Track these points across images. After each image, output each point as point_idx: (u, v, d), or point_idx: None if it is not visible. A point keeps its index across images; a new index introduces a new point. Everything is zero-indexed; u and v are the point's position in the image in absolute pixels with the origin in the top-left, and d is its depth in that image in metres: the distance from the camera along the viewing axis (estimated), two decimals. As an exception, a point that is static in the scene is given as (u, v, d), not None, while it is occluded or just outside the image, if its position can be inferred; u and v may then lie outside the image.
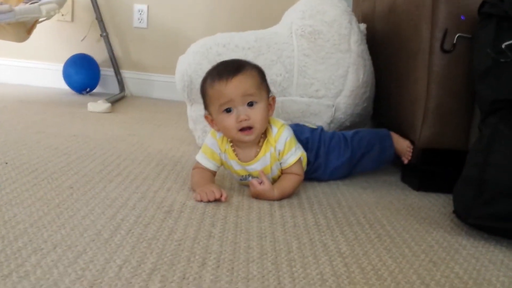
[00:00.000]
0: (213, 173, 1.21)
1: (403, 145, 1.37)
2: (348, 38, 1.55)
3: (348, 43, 1.55)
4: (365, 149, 1.35)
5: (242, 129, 1.11)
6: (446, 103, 1.28)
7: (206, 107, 1.17)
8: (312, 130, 1.34)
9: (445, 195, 1.28)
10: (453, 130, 1.30)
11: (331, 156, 1.32)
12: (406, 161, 1.37)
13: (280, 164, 1.18)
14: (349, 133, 1.37)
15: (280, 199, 1.14)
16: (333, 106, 1.54)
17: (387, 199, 1.24)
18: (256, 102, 1.12)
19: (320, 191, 1.25)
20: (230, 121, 1.11)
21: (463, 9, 1.24)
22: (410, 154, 1.36)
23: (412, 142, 1.37)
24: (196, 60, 1.52)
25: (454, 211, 1.09)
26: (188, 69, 1.53)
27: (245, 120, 1.10)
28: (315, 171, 1.32)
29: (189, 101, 1.62)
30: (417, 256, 0.88)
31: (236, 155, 1.18)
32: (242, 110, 1.11)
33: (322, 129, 1.37)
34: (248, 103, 1.11)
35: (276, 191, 1.13)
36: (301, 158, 1.21)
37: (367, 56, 1.63)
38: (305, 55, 1.52)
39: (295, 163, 1.17)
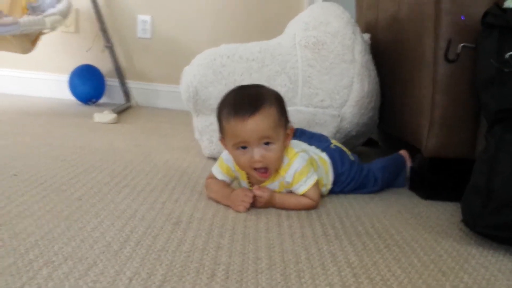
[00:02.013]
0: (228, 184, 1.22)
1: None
2: (352, 49, 1.56)
3: (352, 54, 1.56)
4: (388, 183, 1.41)
5: (256, 168, 1.11)
6: (451, 112, 1.28)
7: (221, 133, 1.15)
8: (351, 163, 1.33)
9: (453, 204, 1.28)
10: (459, 139, 1.30)
11: (357, 191, 1.34)
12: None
13: (294, 190, 1.17)
14: (377, 170, 1.38)
15: (280, 207, 1.14)
16: (339, 116, 1.54)
17: (395, 208, 1.24)
18: (272, 143, 1.09)
19: (327, 201, 1.25)
20: (244, 159, 1.10)
21: (466, 19, 1.24)
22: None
23: (418, 151, 1.38)
24: (201, 72, 1.53)
25: (463, 220, 1.09)
26: (193, 81, 1.54)
27: (260, 162, 1.09)
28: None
29: (195, 112, 1.62)
30: (426, 266, 0.88)
31: (248, 177, 1.18)
32: (257, 152, 1.08)
33: (358, 163, 1.36)
34: (264, 142, 1.09)
35: (277, 196, 1.13)
36: (323, 177, 1.23)
37: (371, 66, 1.63)
38: (309, 66, 1.53)
39: (307, 191, 1.15)
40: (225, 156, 1.20)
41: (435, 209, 1.25)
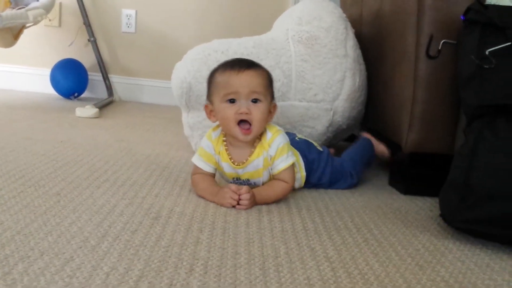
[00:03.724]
0: (213, 176, 1.22)
1: (379, 149, 1.49)
2: (344, 44, 1.58)
3: (345, 48, 1.57)
4: (363, 170, 1.44)
5: (240, 124, 1.12)
6: (432, 108, 1.29)
7: (209, 96, 1.19)
8: (320, 152, 1.34)
9: (432, 199, 1.29)
10: (439, 135, 1.31)
11: (336, 185, 1.35)
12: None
13: (271, 169, 1.18)
14: (348, 163, 1.38)
15: (261, 201, 1.14)
16: (331, 109, 1.55)
17: (374, 203, 1.25)
18: (260, 101, 1.14)
19: (308, 196, 1.26)
20: (230, 111, 1.13)
21: (448, 15, 1.25)
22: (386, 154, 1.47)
23: (399, 146, 1.39)
24: (195, 67, 1.52)
25: (441, 215, 1.10)
26: (187, 76, 1.53)
27: (246, 113, 1.11)
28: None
29: (187, 108, 1.61)
30: (403, 260, 0.89)
31: (229, 155, 1.18)
32: (244, 103, 1.12)
33: (328, 153, 1.37)
34: (252, 99, 1.13)
35: (257, 197, 1.13)
36: (295, 164, 1.22)
37: (361, 60, 1.66)
38: (303, 60, 1.54)
39: (284, 169, 1.17)
40: (205, 143, 1.21)
41: (414, 204, 1.26)
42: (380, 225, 1.07)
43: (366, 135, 1.53)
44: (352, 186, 1.36)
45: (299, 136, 1.39)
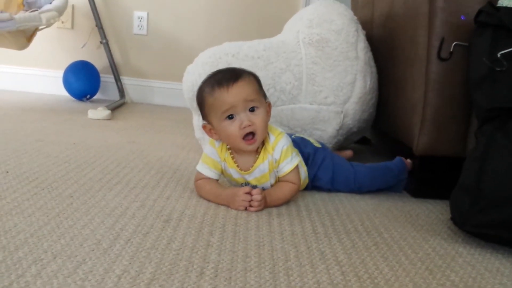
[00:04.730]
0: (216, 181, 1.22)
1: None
2: (355, 46, 1.58)
3: (355, 51, 1.57)
4: (376, 186, 1.35)
5: (245, 137, 1.12)
6: (443, 110, 1.29)
7: (205, 116, 1.18)
8: (316, 148, 1.33)
9: (442, 202, 1.29)
10: (451, 138, 1.30)
11: (336, 185, 1.32)
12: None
13: (277, 172, 1.19)
14: (362, 169, 1.33)
15: (270, 203, 1.14)
16: (342, 112, 1.55)
17: (385, 206, 1.25)
18: (257, 107, 1.13)
19: (318, 198, 1.26)
20: (233, 128, 1.12)
21: (460, 17, 1.25)
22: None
23: (409, 149, 1.38)
24: (206, 71, 1.52)
25: (451, 218, 1.09)
26: (198, 80, 1.52)
27: (249, 126, 1.11)
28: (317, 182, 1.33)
29: (198, 111, 1.62)
30: (413, 264, 0.89)
31: (235, 162, 1.19)
32: (244, 116, 1.12)
33: (327, 150, 1.36)
34: (249, 109, 1.12)
35: (267, 199, 1.13)
36: (299, 166, 1.22)
37: (372, 63, 1.66)
38: (313, 63, 1.54)
39: (290, 171, 1.17)
40: (209, 150, 1.21)
41: (425, 207, 1.26)
42: (390, 229, 1.07)
43: (406, 160, 1.39)
44: (354, 192, 1.33)
45: (297, 134, 1.39)
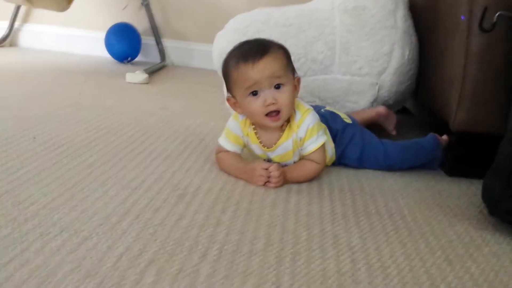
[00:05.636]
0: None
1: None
2: (394, 14, 1.49)
3: (394, 19, 1.49)
4: (407, 165, 1.28)
5: (268, 114, 1.09)
6: (483, 85, 1.20)
7: (229, 89, 1.14)
8: (346, 124, 1.26)
9: (479, 182, 1.19)
10: (490, 115, 1.21)
11: (365, 164, 1.26)
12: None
13: (301, 150, 1.14)
14: (392, 148, 1.26)
15: (291, 180, 1.11)
16: (377, 84, 1.48)
17: (414, 185, 1.18)
18: (283, 85, 1.08)
19: (344, 175, 1.21)
20: (256, 105, 1.08)
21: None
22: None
23: (447, 124, 1.30)
24: (235, 38, 1.48)
25: (483, 202, 1.03)
26: (227, 47, 1.47)
27: (273, 104, 1.07)
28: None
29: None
30: (433, 252, 0.84)
31: (258, 138, 1.15)
32: (269, 93, 1.07)
33: (358, 126, 1.29)
34: (275, 86, 1.08)
35: (287, 175, 1.10)
36: (326, 144, 1.17)
37: (413, 31, 1.55)
38: (348, 32, 1.46)
39: (315, 151, 1.13)
40: (232, 124, 1.18)
41: (458, 188, 1.19)
42: (415, 211, 1.02)
43: (440, 137, 1.32)
44: (384, 169, 1.27)
45: (327, 108, 1.32)
